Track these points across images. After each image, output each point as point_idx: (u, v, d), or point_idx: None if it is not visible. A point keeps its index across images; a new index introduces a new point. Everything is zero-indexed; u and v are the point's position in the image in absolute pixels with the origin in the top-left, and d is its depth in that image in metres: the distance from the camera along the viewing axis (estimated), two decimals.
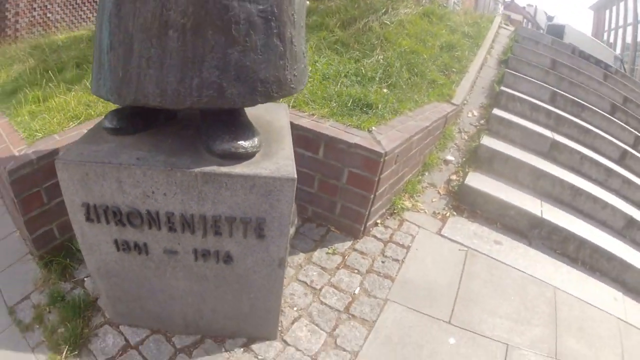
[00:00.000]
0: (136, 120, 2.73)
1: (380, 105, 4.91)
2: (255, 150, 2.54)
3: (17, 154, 3.70)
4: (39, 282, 3.85)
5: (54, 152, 3.69)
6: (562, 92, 8.26)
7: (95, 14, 13.63)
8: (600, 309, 4.43)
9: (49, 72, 5.79)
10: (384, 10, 7.80)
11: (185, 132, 2.77)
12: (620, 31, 44.57)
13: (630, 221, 5.88)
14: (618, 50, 39.22)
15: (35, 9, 13.27)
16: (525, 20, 35.05)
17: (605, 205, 5.85)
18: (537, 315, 4.10)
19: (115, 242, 2.77)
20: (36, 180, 3.67)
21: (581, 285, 4.73)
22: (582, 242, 5.15)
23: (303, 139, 4.27)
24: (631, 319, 4.49)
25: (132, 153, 2.54)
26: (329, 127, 4.33)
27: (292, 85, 2.48)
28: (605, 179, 6.57)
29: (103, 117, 3.82)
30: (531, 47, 10.44)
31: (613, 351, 3.95)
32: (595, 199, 5.85)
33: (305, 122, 4.34)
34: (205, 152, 2.55)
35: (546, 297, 4.35)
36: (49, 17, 13.54)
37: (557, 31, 22.71)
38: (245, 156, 2.51)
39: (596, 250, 5.13)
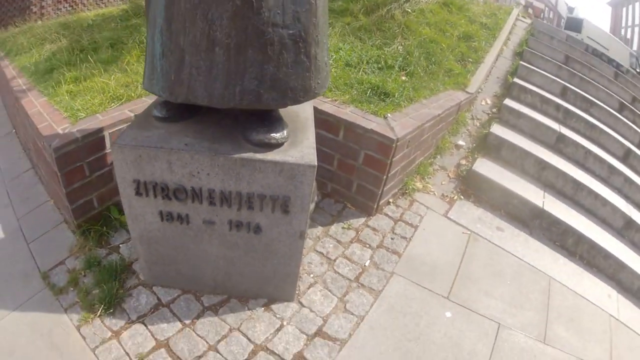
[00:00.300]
0: (182, 111, 3.11)
1: (396, 94, 5.13)
2: (284, 140, 2.94)
3: (60, 131, 3.97)
4: (75, 249, 4.13)
5: (98, 131, 4.01)
6: (573, 87, 8.37)
7: None
8: (594, 303, 4.58)
9: (83, 52, 6.06)
10: None
11: (224, 122, 3.14)
12: (637, 29, 44.22)
13: (629, 222, 5.98)
14: (635, 47, 39.02)
15: None
16: (547, 8, 34.67)
17: (606, 202, 5.94)
18: (530, 301, 4.28)
19: (160, 213, 3.18)
20: (80, 156, 3.96)
21: (576, 279, 4.86)
22: (580, 237, 5.27)
23: (325, 122, 4.57)
24: (623, 317, 4.62)
25: (181, 139, 2.95)
26: (349, 113, 4.61)
27: (316, 91, 2.86)
28: (608, 175, 6.66)
29: (143, 98, 4.33)
30: (546, 42, 10.49)
31: (601, 345, 4.11)
32: (597, 196, 5.94)
33: (328, 107, 4.62)
34: (242, 141, 2.96)
35: (541, 285, 4.52)
36: None
37: (575, 24, 22.65)
38: (276, 146, 2.91)
39: (593, 246, 5.25)
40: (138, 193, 3.10)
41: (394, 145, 4.30)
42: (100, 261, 3.99)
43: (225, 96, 2.66)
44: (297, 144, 3.03)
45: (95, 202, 4.28)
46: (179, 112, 3.14)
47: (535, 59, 9.09)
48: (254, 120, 2.96)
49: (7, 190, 5.23)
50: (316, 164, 2.89)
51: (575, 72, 9.25)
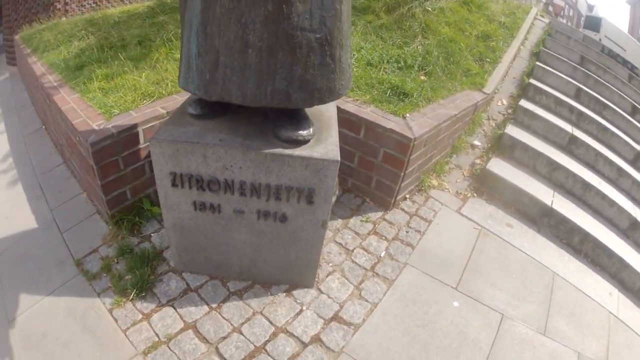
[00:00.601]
0: (215, 109, 3.33)
1: (415, 94, 5.28)
2: (311, 137, 3.16)
3: (96, 127, 4.19)
4: (108, 238, 4.40)
5: (132, 127, 4.24)
6: (587, 90, 8.45)
7: None
8: (594, 300, 4.70)
9: (112, 49, 6.23)
10: None
11: (255, 119, 3.36)
12: None
13: (634, 223, 6.08)
14: None
15: None
16: (567, 6, 34.47)
17: (613, 203, 6.07)
18: (533, 294, 4.43)
19: (194, 203, 3.42)
20: (115, 151, 4.19)
21: (580, 275, 4.98)
22: (586, 236, 5.38)
23: (347, 121, 4.77)
24: (622, 315, 4.73)
25: (215, 135, 3.18)
26: (370, 112, 4.80)
27: (340, 92, 3.05)
28: (616, 177, 6.78)
29: (174, 95, 4.64)
30: (563, 42, 10.56)
31: (599, 341, 4.22)
32: (604, 196, 6.07)
33: (350, 106, 4.82)
34: (272, 137, 3.17)
35: (544, 280, 4.66)
36: None
37: (594, 23, 22.55)
38: (303, 142, 3.13)
39: (598, 245, 5.36)
40: (174, 184, 3.32)
41: (411, 144, 4.47)
42: (132, 249, 4.25)
43: (257, 95, 2.85)
44: (322, 141, 3.24)
45: (128, 193, 4.53)
46: (212, 109, 3.34)
47: (552, 59, 9.17)
48: (283, 119, 3.16)
49: (40, 184, 5.48)
50: (339, 159, 3.09)
51: (590, 73, 9.34)
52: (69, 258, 4.24)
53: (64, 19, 11.07)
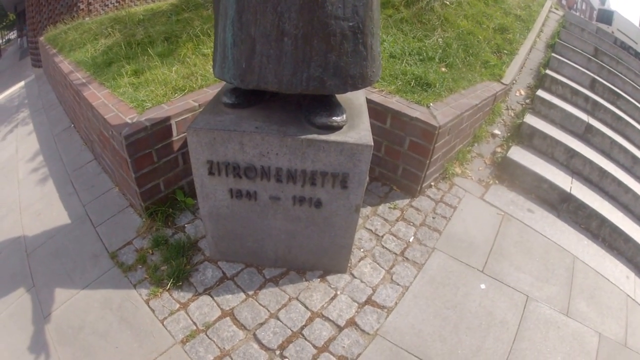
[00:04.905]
0: (249, 97, 3.37)
1: (437, 84, 5.33)
2: (344, 123, 3.20)
3: (129, 121, 4.26)
4: (142, 230, 4.47)
5: (165, 120, 4.30)
6: (601, 80, 8.45)
7: None
8: (613, 283, 4.74)
9: (139, 45, 6.29)
10: None
11: (288, 107, 3.40)
12: None
13: None
14: None
15: None
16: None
17: (628, 190, 6.07)
18: (555, 277, 4.49)
19: (230, 190, 3.47)
20: (149, 143, 4.26)
21: (598, 259, 5.02)
22: (603, 221, 5.42)
23: (374, 111, 4.77)
24: (639, 297, 4.77)
25: (251, 123, 3.22)
26: (395, 102, 4.86)
27: (372, 79, 3.09)
28: (631, 165, 6.80)
29: (204, 88, 4.72)
30: (577, 34, 10.56)
31: (617, 322, 4.26)
32: (620, 183, 6.09)
33: (376, 97, 4.87)
34: (306, 124, 3.21)
35: (565, 263, 4.72)
36: None
37: (606, 16, 22.49)
38: (337, 128, 3.16)
39: (615, 230, 5.39)
40: (211, 172, 3.36)
41: (436, 132, 4.52)
42: (167, 240, 4.32)
43: (293, 82, 2.89)
44: (355, 127, 3.26)
45: (162, 185, 4.59)
46: (246, 98, 3.38)
47: (567, 51, 9.19)
48: (317, 106, 3.21)
49: (72, 180, 5.55)
50: (372, 144, 3.13)
51: (604, 64, 9.34)
52: (104, 251, 4.31)
53: (87, 19, 11.12)
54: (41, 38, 10.56)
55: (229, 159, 3.29)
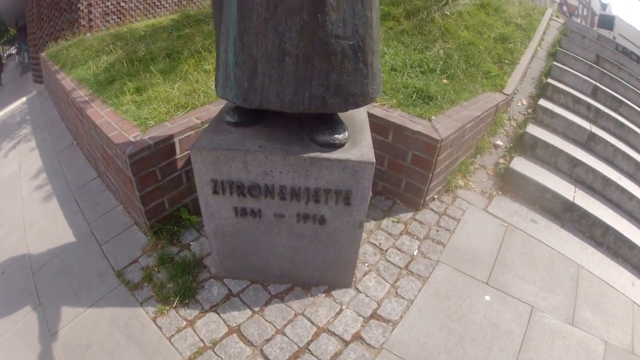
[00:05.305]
0: (251, 116, 3.42)
1: (439, 97, 5.34)
2: (346, 140, 3.24)
3: (132, 139, 4.29)
4: (147, 248, 4.50)
5: (169, 138, 4.33)
6: (603, 87, 8.46)
7: (167, 0, 13.70)
8: (618, 290, 4.74)
9: (141, 62, 6.31)
10: (444, 1, 8.04)
11: (290, 125, 3.44)
12: None
13: None
14: None
15: None
16: (580, 5, 34.33)
17: (632, 197, 6.05)
18: (560, 286, 4.50)
19: (235, 209, 3.50)
20: (153, 162, 4.28)
21: (603, 267, 5.02)
22: (607, 229, 5.41)
23: (376, 125, 4.82)
24: None
25: (254, 142, 3.26)
26: (397, 116, 4.89)
27: (373, 96, 3.12)
28: (634, 172, 6.74)
29: (207, 105, 4.74)
30: (578, 41, 10.55)
31: (623, 329, 4.25)
32: (623, 190, 6.06)
33: (378, 111, 4.91)
34: (308, 142, 3.25)
35: (570, 272, 4.72)
36: (122, 6, 13.50)
37: (607, 21, 22.65)
38: (340, 146, 3.20)
39: (620, 237, 5.37)
40: (215, 191, 3.41)
41: (438, 145, 4.55)
42: (172, 258, 4.35)
43: (295, 102, 2.92)
44: (357, 144, 3.30)
45: (166, 204, 4.62)
46: (249, 117, 3.42)
47: (568, 59, 9.21)
48: (319, 124, 3.24)
49: (76, 198, 5.58)
50: (374, 161, 3.16)
51: (605, 71, 9.37)
52: (109, 269, 4.34)
53: (88, 35, 11.17)
54: (42, 54, 10.59)
55: (233, 178, 3.32)
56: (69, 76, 7.02)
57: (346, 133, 3.26)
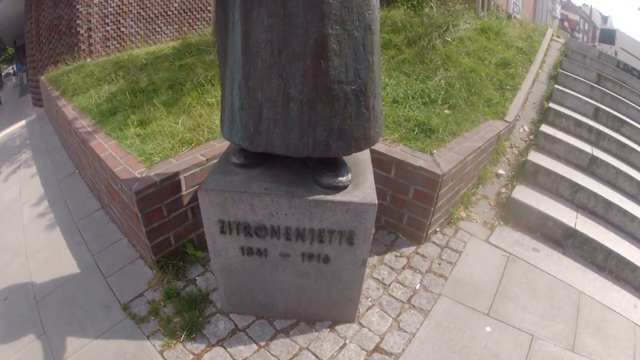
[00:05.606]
0: (257, 157, 3.54)
1: (440, 129, 5.52)
2: (349, 183, 3.37)
3: (138, 175, 4.43)
4: (153, 282, 4.61)
5: (174, 175, 4.48)
6: (605, 108, 8.60)
7: (168, 27, 13.90)
8: (619, 313, 4.80)
9: (143, 93, 6.46)
10: (445, 27, 8.23)
11: (295, 167, 3.56)
12: None
13: None
14: None
15: (108, 23, 13.57)
16: (581, 20, 34.42)
17: (634, 218, 6.14)
18: (560, 314, 4.57)
19: (241, 248, 3.63)
20: (159, 198, 4.42)
21: (605, 292, 5.09)
22: (609, 253, 5.49)
23: (379, 161, 4.99)
24: None
25: (260, 184, 3.39)
26: (399, 151, 5.06)
27: (374, 139, 3.26)
28: (637, 193, 6.84)
29: (211, 142, 4.87)
30: (579, 61, 10.69)
31: (625, 352, 4.32)
32: (625, 212, 6.16)
33: (381, 146, 5.06)
34: (313, 184, 3.39)
35: (571, 299, 4.80)
36: (122, 32, 13.80)
37: (608, 36, 22.86)
38: (343, 188, 3.34)
39: (621, 260, 5.45)
40: (222, 231, 3.53)
41: (440, 180, 4.70)
42: (179, 292, 4.46)
43: (299, 147, 3.04)
44: (359, 185, 3.42)
45: (172, 239, 4.73)
46: (254, 158, 3.53)
47: (569, 80, 9.33)
48: (322, 166, 3.35)
49: (79, 229, 5.70)
50: (377, 202, 3.27)
51: (606, 90, 9.47)
52: (115, 302, 4.44)
53: (89, 59, 11.33)
54: (42, 77, 10.72)
55: (239, 219, 3.45)
56: (70, 104, 7.17)
57: (349, 175, 3.38)
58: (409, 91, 6.41)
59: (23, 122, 13.06)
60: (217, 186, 3.38)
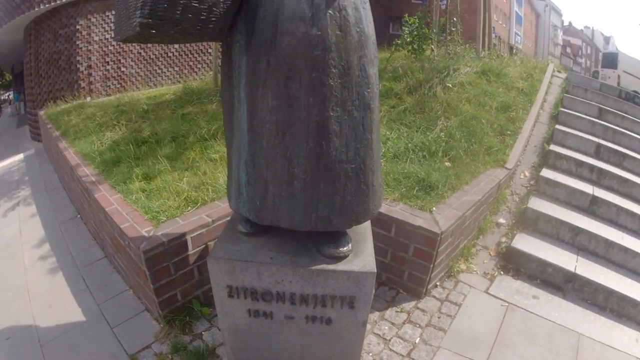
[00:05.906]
0: (263, 226, 3.64)
1: (440, 185, 5.74)
2: (350, 252, 3.55)
3: (145, 234, 4.64)
4: (160, 335, 4.70)
5: (181, 236, 4.66)
6: (606, 144, 8.84)
7: (169, 69, 14.10)
8: (620, 350, 4.91)
9: (146, 144, 6.69)
10: (446, 72, 8.44)
11: (299, 235, 3.66)
12: None
13: None
14: None
15: (108, 62, 13.82)
16: (584, 44, 34.59)
17: (636, 255, 6.32)
18: (559, 357, 4.68)
19: (248, 310, 3.81)
20: (166, 257, 4.61)
21: (605, 331, 5.20)
22: (610, 292, 5.67)
23: (379, 220, 5.16)
24: None
25: (266, 253, 3.53)
26: (399, 211, 5.29)
27: (373, 212, 3.46)
28: (639, 228, 7.04)
29: (216, 202, 5.17)
30: (580, 96, 10.93)
31: None
32: (627, 250, 6.35)
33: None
34: (316, 253, 3.57)
35: (570, 343, 4.89)
36: (123, 71, 14.03)
37: (611, 59, 23.00)
38: (344, 258, 3.51)
39: (623, 298, 5.62)
40: (230, 295, 3.72)
41: (438, 238, 4.91)
42: (186, 346, 4.55)
43: (303, 222, 3.18)
44: (359, 254, 3.55)
45: (179, 295, 4.89)
46: (261, 228, 3.66)
47: (570, 119, 9.57)
48: (324, 237, 3.46)
49: (83, 276, 5.87)
50: (375, 271, 3.38)
51: (608, 124, 9.73)
52: (122, 353, 4.52)
53: (89, 98, 11.62)
54: (41, 112, 10.92)
55: (247, 285, 3.65)
56: (72, 148, 7.40)
57: (349, 245, 3.52)
58: (409, 144, 6.63)
59: (21, 156, 13.26)
60: (225, 254, 3.53)
